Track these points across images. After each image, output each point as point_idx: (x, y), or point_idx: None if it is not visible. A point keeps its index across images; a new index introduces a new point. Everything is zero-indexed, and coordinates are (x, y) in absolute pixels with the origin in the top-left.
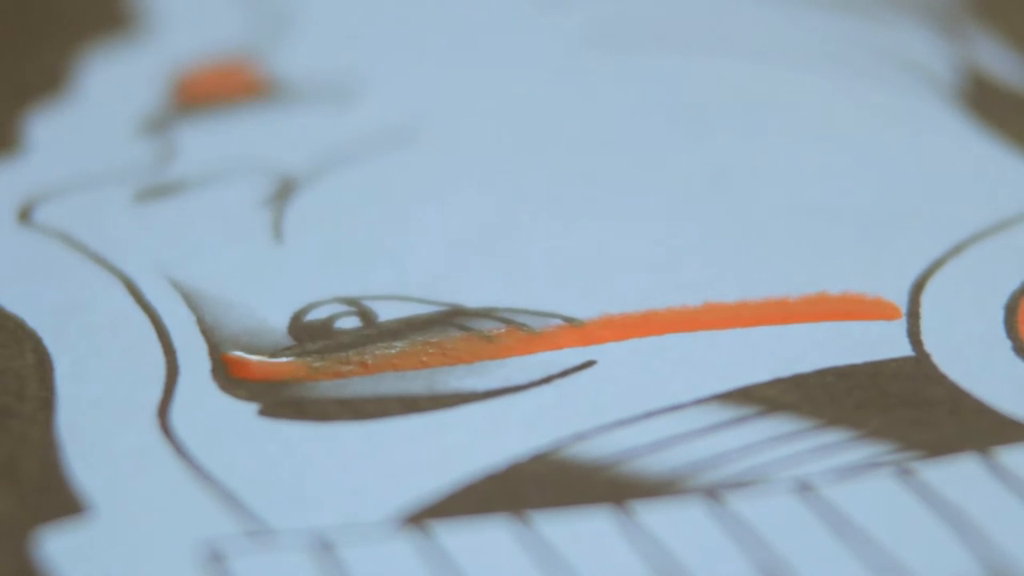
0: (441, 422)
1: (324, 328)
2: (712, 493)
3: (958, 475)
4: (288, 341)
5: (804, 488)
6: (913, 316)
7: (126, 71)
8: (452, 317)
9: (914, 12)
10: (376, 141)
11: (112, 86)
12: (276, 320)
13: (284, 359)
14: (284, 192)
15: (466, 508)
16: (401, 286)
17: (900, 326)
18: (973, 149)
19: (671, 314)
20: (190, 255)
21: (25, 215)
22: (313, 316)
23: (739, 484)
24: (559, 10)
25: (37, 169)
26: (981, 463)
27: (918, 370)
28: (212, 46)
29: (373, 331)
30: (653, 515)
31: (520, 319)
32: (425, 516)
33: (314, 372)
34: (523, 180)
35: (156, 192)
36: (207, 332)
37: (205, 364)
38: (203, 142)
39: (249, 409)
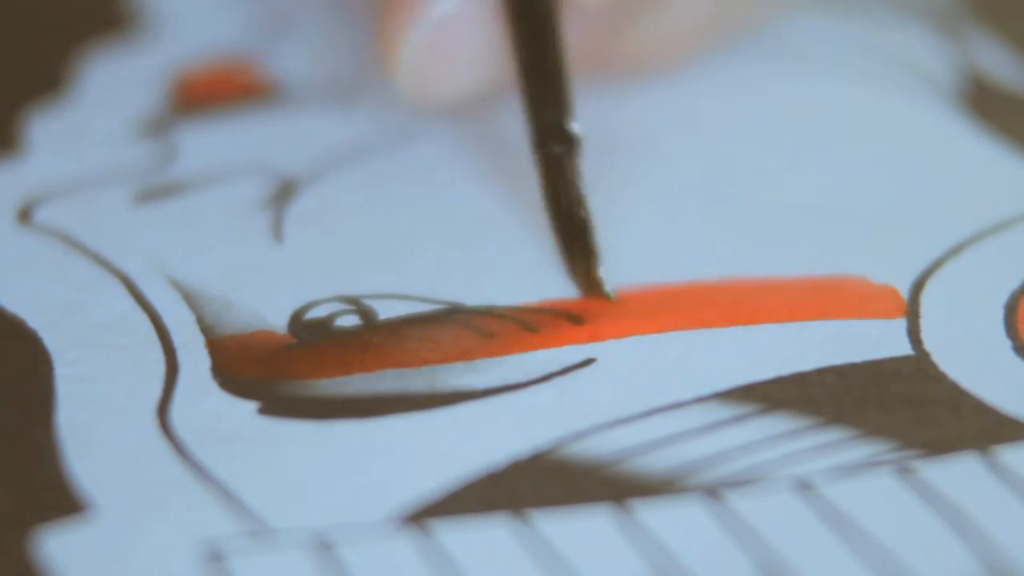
0: (441, 420)
1: (324, 326)
2: (712, 491)
3: (958, 474)
4: (288, 339)
5: (804, 486)
6: (913, 316)
7: (126, 71)
8: (452, 315)
9: (914, 14)
10: (376, 142)
11: (112, 86)
12: (276, 319)
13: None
14: (284, 192)
15: (466, 507)
16: (401, 285)
17: (900, 325)
18: (973, 150)
19: (671, 312)
20: (190, 255)
21: (25, 215)
22: (313, 315)
23: (739, 482)
24: None
25: (37, 169)
26: (981, 462)
27: (918, 369)
28: (212, 47)
29: (373, 329)
30: (653, 514)
31: (519, 316)
32: (425, 515)
33: (313, 369)
34: (523, 179)
35: (156, 192)
36: (207, 331)
37: (205, 363)
38: (203, 143)
39: (249, 407)
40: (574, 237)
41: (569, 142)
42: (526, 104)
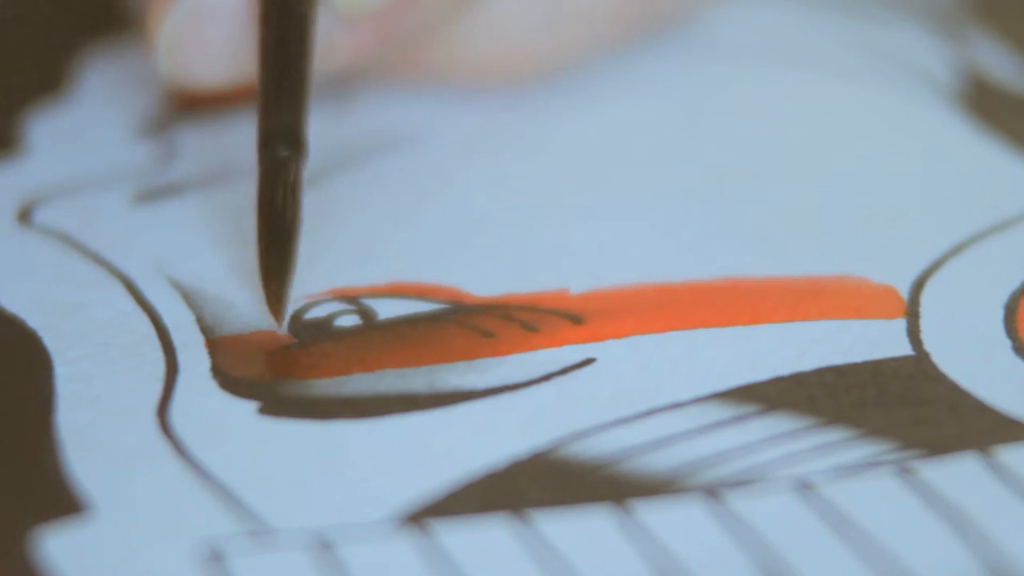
0: (441, 420)
1: (324, 326)
2: (712, 492)
3: (958, 474)
4: (288, 339)
5: (804, 487)
6: (913, 316)
7: (126, 71)
8: (452, 314)
9: (914, 14)
10: (376, 142)
11: (112, 87)
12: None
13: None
14: None
15: (466, 507)
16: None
17: (900, 325)
18: (973, 150)
19: (671, 312)
20: (190, 255)
21: (25, 215)
22: (313, 314)
23: (739, 483)
24: None
25: (37, 169)
26: (981, 462)
27: (918, 369)
28: None
29: (373, 328)
30: (653, 514)
31: (520, 316)
32: (425, 515)
33: (313, 369)
34: (524, 179)
35: (156, 192)
36: (207, 331)
37: (205, 363)
38: (203, 143)
39: (249, 407)
40: (277, 246)
41: (297, 147)
42: (260, 102)
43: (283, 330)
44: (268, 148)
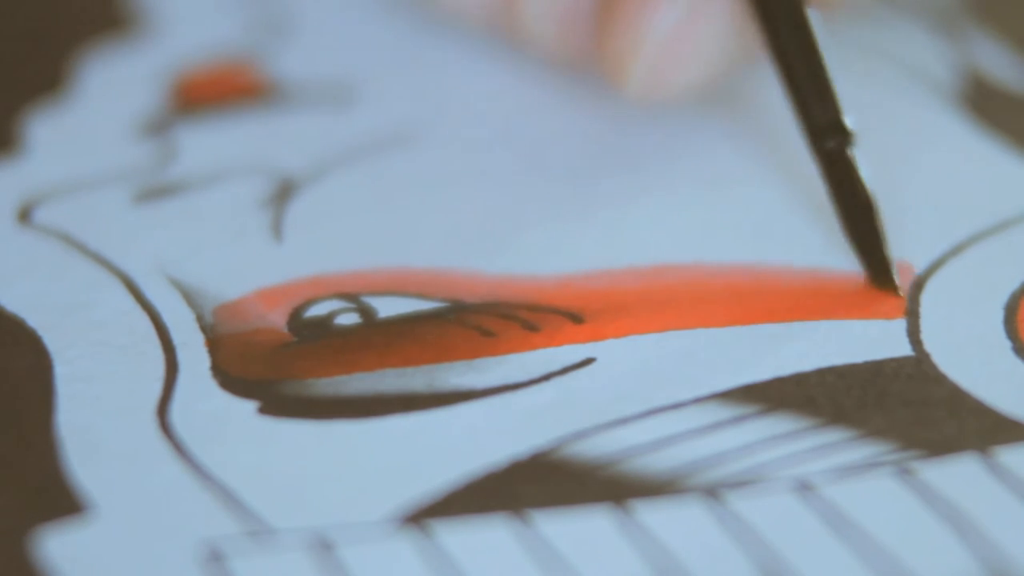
0: (441, 420)
1: (324, 325)
2: (712, 492)
3: (958, 475)
4: (288, 338)
5: (804, 487)
6: (913, 316)
7: (126, 72)
8: (452, 313)
9: (914, 14)
10: (376, 142)
11: (112, 87)
12: (276, 318)
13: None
14: (284, 192)
15: (466, 507)
16: (401, 284)
17: (900, 326)
18: (973, 150)
19: (671, 312)
20: (190, 255)
21: (25, 215)
22: (313, 313)
23: (739, 483)
24: None
25: (37, 169)
26: (981, 463)
27: (918, 370)
28: (212, 47)
29: (373, 327)
30: (653, 514)
31: (520, 315)
32: (425, 515)
33: (313, 369)
34: (525, 179)
35: (156, 192)
36: (207, 330)
37: (205, 362)
38: (203, 143)
39: (249, 407)
40: (863, 224)
41: (842, 136)
42: (796, 106)
43: None
44: (820, 143)
